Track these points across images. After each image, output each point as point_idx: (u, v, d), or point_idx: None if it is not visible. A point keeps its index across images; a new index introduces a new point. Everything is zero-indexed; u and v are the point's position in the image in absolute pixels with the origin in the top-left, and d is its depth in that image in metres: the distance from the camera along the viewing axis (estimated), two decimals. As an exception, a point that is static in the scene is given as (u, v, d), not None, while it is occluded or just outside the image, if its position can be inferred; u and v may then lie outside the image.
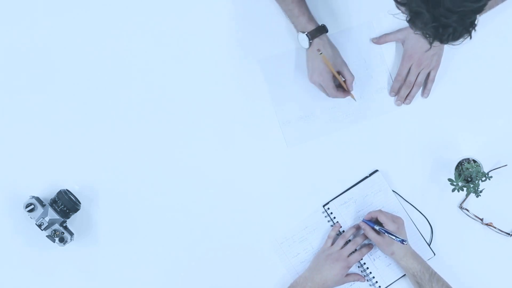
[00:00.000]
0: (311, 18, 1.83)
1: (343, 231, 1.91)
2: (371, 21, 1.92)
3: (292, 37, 1.90)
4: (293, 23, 1.85)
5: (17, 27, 1.92)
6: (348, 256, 1.86)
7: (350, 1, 1.91)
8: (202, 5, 1.92)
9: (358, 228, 1.89)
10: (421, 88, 1.92)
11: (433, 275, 1.81)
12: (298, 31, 1.84)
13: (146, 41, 1.92)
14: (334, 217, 1.91)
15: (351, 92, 1.87)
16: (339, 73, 1.85)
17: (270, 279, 1.91)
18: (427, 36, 1.41)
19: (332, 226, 1.91)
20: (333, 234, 1.90)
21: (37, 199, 1.85)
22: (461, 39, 1.41)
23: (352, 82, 1.85)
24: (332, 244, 1.88)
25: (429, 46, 1.84)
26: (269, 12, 1.91)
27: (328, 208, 1.91)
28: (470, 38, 1.41)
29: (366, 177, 1.91)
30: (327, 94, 1.86)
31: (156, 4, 1.92)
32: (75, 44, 1.92)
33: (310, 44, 1.82)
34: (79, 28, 1.92)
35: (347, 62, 1.90)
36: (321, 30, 1.83)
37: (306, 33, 1.82)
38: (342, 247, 1.87)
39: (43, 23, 1.92)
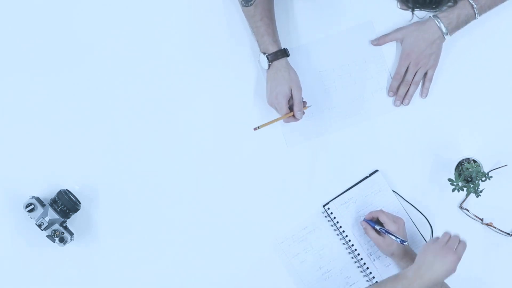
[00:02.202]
0: (275, 40, 1.82)
1: (346, 235, 1.90)
2: (371, 21, 1.92)
3: (287, 38, 1.90)
4: (257, 41, 1.84)
5: (17, 26, 1.92)
6: (456, 249, 1.75)
7: (350, 1, 1.91)
8: (205, 6, 1.92)
9: None
10: (420, 88, 1.92)
11: (433, 275, 1.80)
12: (260, 51, 1.83)
13: (147, 42, 1.92)
14: (334, 217, 1.91)
15: (303, 110, 1.83)
16: (289, 100, 1.82)
17: (270, 279, 1.91)
18: (409, 5, 1.37)
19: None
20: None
21: (37, 199, 1.85)
22: (442, 6, 1.36)
23: (299, 111, 1.80)
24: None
25: (426, 44, 1.82)
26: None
27: (328, 208, 1.91)
28: (456, 2, 1.36)
29: (366, 177, 1.91)
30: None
31: (156, 5, 1.92)
32: (74, 44, 1.92)
33: (269, 66, 1.82)
34: (79, 29, 1.92)
35: (347, 63, 1.90)
36: (282, 53, 1.82)
37: (267, 55, 1.81)
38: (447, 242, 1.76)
39: (43, 23, 1.92)
